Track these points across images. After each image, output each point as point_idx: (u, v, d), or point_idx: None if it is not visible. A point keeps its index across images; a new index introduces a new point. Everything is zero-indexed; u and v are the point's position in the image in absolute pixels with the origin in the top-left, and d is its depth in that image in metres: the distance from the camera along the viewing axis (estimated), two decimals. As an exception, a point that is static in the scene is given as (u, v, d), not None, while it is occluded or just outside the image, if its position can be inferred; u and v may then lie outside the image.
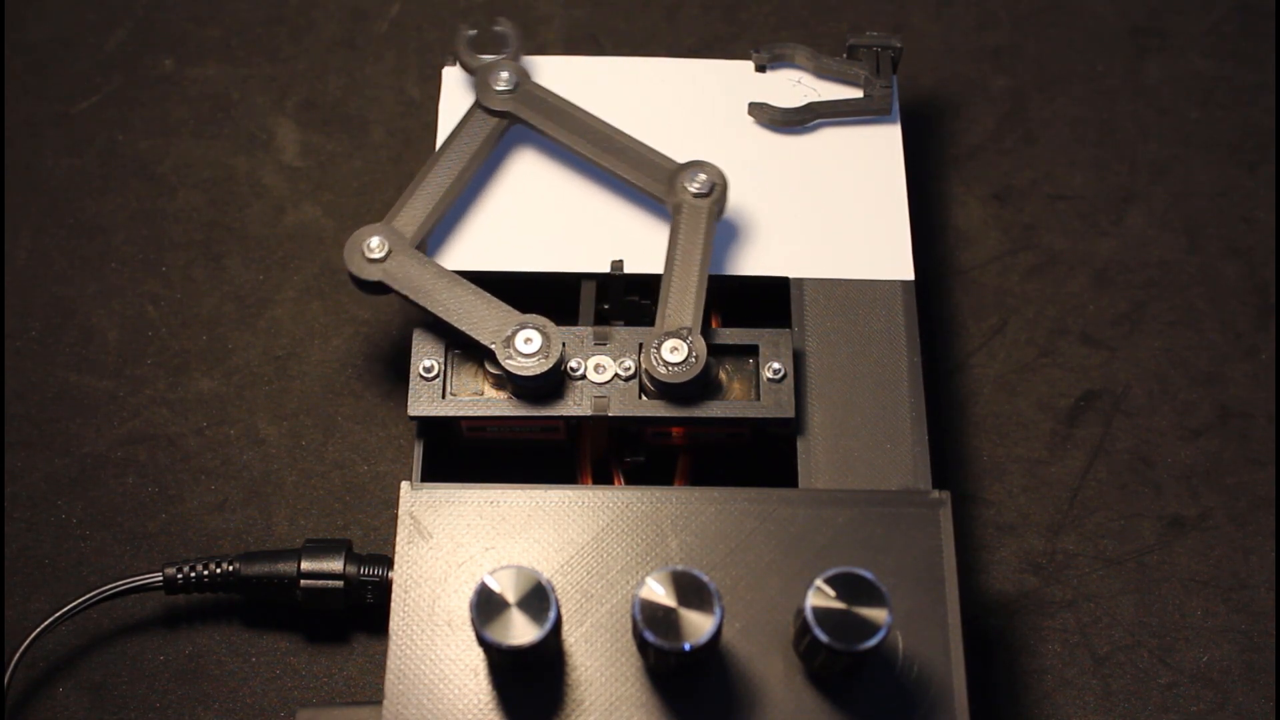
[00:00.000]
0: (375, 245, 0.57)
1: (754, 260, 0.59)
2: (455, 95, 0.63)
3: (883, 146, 0.62)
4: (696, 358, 0.54)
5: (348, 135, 0.70)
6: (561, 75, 0.64)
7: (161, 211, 0.68)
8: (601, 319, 0.60)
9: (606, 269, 0.59)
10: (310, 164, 0.69)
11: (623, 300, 0.60)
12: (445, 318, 0.56)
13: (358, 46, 0.73)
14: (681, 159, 0.60)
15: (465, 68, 0.61)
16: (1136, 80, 0.72)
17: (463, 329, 0.55)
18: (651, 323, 0.60)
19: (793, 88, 0.63)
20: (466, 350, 0.56)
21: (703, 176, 0.58)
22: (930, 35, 0.73)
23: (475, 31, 0.62)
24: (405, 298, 0.56)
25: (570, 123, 0.60)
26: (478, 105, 0.60)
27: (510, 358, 0.54)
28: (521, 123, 0.60)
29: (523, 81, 0.60)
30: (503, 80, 0.60)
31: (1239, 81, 0.72)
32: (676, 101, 0.63)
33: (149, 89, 0.71)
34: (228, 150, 0.70)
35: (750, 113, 0.63)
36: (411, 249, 0.57)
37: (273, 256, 0.67)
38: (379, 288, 0.57)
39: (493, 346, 0.55)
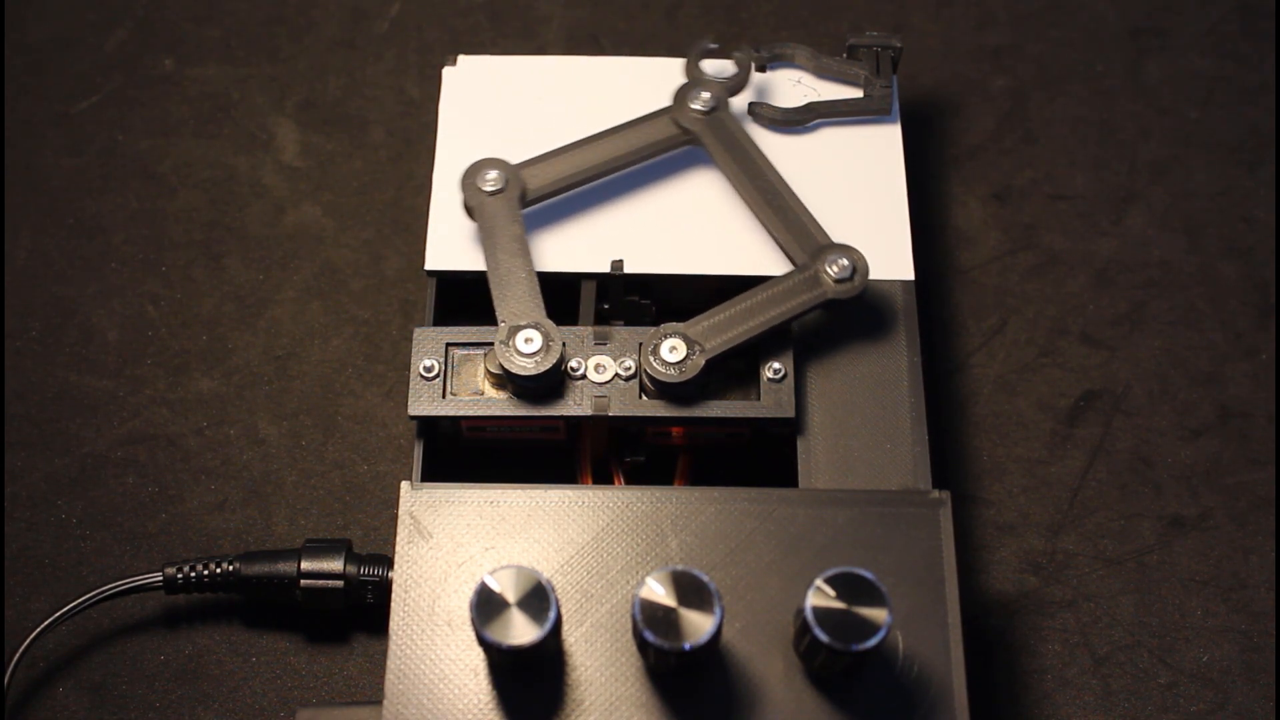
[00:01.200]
0: (492, 179, 0.58)
1: (754, 260, 0.59)
2: (455, 95, 0.63)
3: (883, 146, 0.62)
4: (692, 364, 0.54)
5: (348, 135, 0.70)
6: (562, 75, 0.64)
7: (161, 211, 0.68)
8: (601, 319, 0.60)
9: (606, 269, 0.59)
10: (310, 164, 0.69)
11: (623, 300, 0.60)
12: (489, 272, 0.57)
13: (358, 46, 0.73)
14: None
15: (689, 76, 0.62)
16: (1136, 80, 0.72)
17: (493, 292, 0.56)
18: (651, 322, 0.60)
19: (793, 88, 0.63)
20: (467, 349, 0.56)
21: (844, 262, 0.57)
22: (930, 35, 0.73)
23: (716, 45, 0.62)
24: (483, 236, 0.58)
25: (746, 164, 0.60)
26: (671, 114, 0.61)
27: (510, 357, 0.54)
28: (702, 146, 0.60)
29: (720, 108, 0.60)
30: (702, 100, 0.60)
31: (1239, 81, 0.72)
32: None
33: (149, 89, 0.71)
34: (228, 150, 0.70)
35: (750, 113, 0.63)
36: (516, 202, 0.58)
37: (273, 256, 0.67)
38: (470, 212, 0.59)
39: (500, 325, 0.55)
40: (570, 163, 0.60)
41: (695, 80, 0.61)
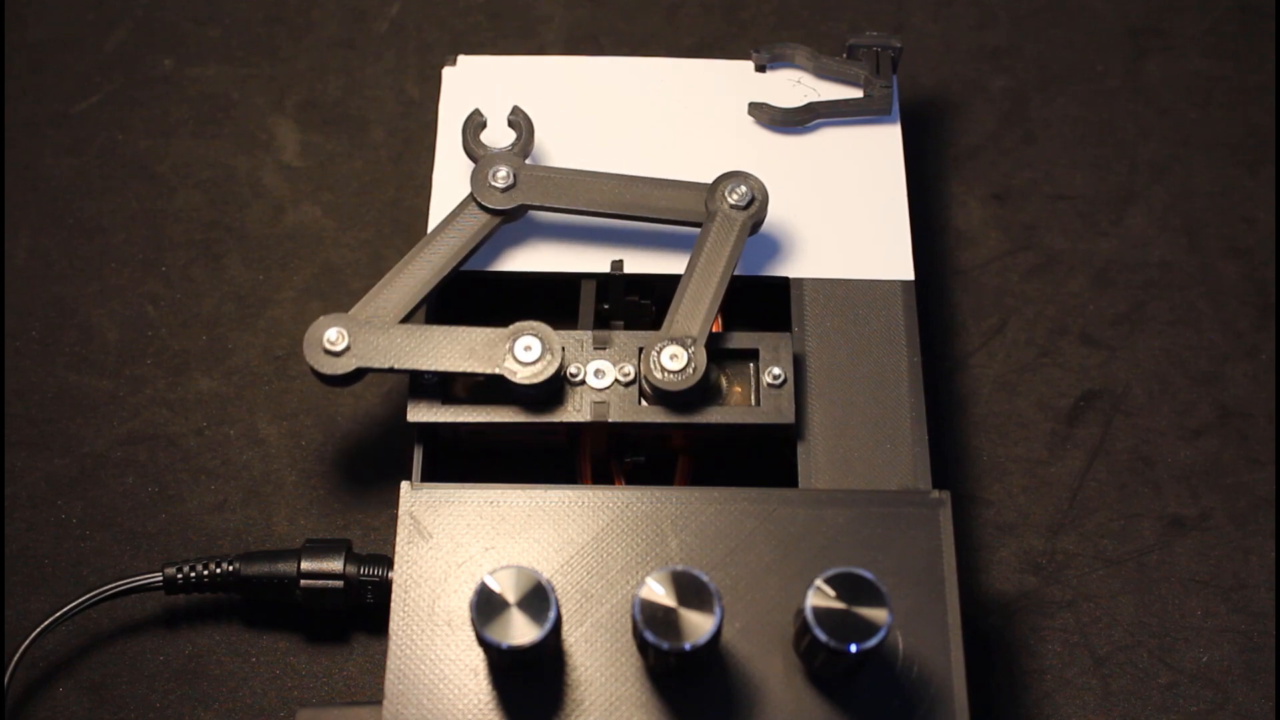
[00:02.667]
0: (334, 337, 0.55)
1: (754, 260, 0.59)
2: (455, 95, 0.63)
3: (883, 146, 0.62)
4: (695, 369, 0.54)
5: (347, 135, 0.70)
6: (562, 75, 0.64)
7: (161, 211, 0.68)
8: (601, 319, 0.60)
9: (606, 269, 0.59)
10: (310, 164, 0.69)
11: (622, 300, 0.59)
12: (442, 368, 0.54)
13: (358, 46, 0.73)
14: (682, 160, 0.61)
15: (469, 154, 0.59)
16: (1136, 80, 0.72)
17: (464, 370, 0.54)
18: (651, 324, 0.60)
19: (793, 88, 0.63)
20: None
21: (743, 188, 0.57)
22: (930, 35, 0.73)
23: (484, 122, 0.60)
24: (388, 371, 0.55)
25: (582, 190, 0.58)
26: (474, 199, 0.58)
27: (512, 368, 0.54)
28: (532, 208, 0.58)
29: (519, 171, 0.58)
30: (500, 177, 0.58)
31: (1239, 81, 0.72)
32: (676, 101, 0.63)
33: (149, 89, 0.71)
34: (228, 150, 0.70)
35: (750, 113, 0.63)
36: (368, 324, 0.55)
37: (273, 256, 0.67)
38: (356, 375, 0.55)
39: (499, 370, 0.54)
40: (403, 288, 0.57)
41: (486, 159, 0.58)
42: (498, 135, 0.62)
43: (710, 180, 0.58)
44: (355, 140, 0.70)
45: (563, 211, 0.58)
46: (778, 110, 0.62)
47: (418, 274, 0.57)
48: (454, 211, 0.58)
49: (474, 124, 0.60)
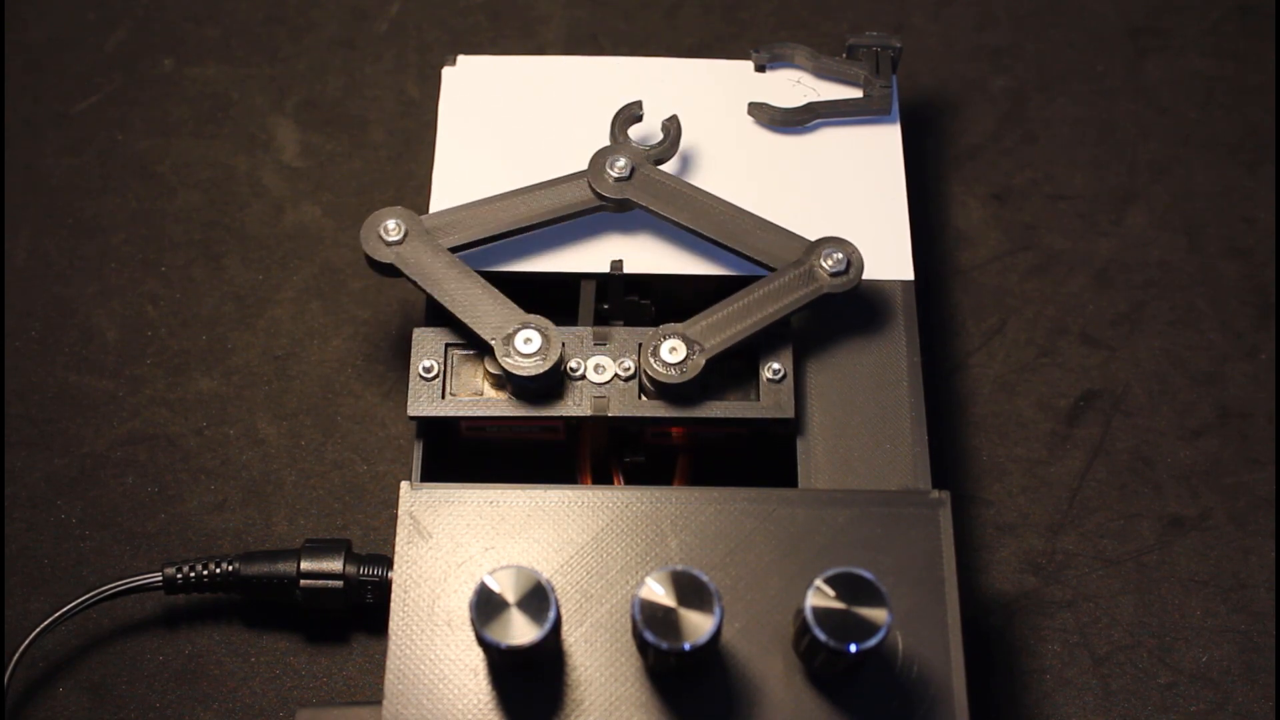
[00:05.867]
0: (392, 228, 0.57)
1: (753, 260, 0.59)
2: (455, 95, 0.63)
3: (883, 146, 0.62)
4: (694, 363, 0.54)
5: (347, 135, 0.70)
6: (561, 75, 0.64)
7: (161, 211, 0.68)
8: (601, 319, 0.60)
9: (606, 269, 0.59)
10: (310, 164, 0.69)
11: (622, 300, 0.59)
12: (449, 307, 0.56)
13: (357, 46, 0.73)
14: (682, 160, 0.61)
15: (613, 139, 0.60)
16: (1136, 80, 0.72)
17: (465, 320, 0.55)
18: (650, 322, 0.60)
19: (793, 88, 0.63)
20: (467, 349, 0.56)
21: (839, 255, 0.56)
22: (930, 35, 0.73)
23: (640, 115, 0.60)
24: (414, 283, 0.56)
25: (691, 207, 0.58)
26: (589, 184, 0.58)
27: (510, 358, 0.54)
28: (637, 207, 0.59)
29: (640, 169, 0.59)
30: (618, 167, 0.58)
31: (1239, 81, 0.72)
32: (676, 101, 0.63)
33: (149, 89, 0.71)
34: (227, 150, 0.70)
35: (750, 113, 0.62)
36: (427, 235, 0.57)
37: (272, 256, 0.67)
38: (391, 270, 0.57)
39: (492, 343, 0.55)
40: (480, 218, 0.58)
41: (614, 146, 0.59)
42: (507, 136, 0.62)
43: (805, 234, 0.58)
44: (355, 140, 0.70)
45: (663, 219, 0.58)
46: (778, 110, 0.62)
47: (497, 214, 0.58)
48: (566, 177, 0.59)
49: (628, 114, 0.60)
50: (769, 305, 0.56)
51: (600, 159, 0.59)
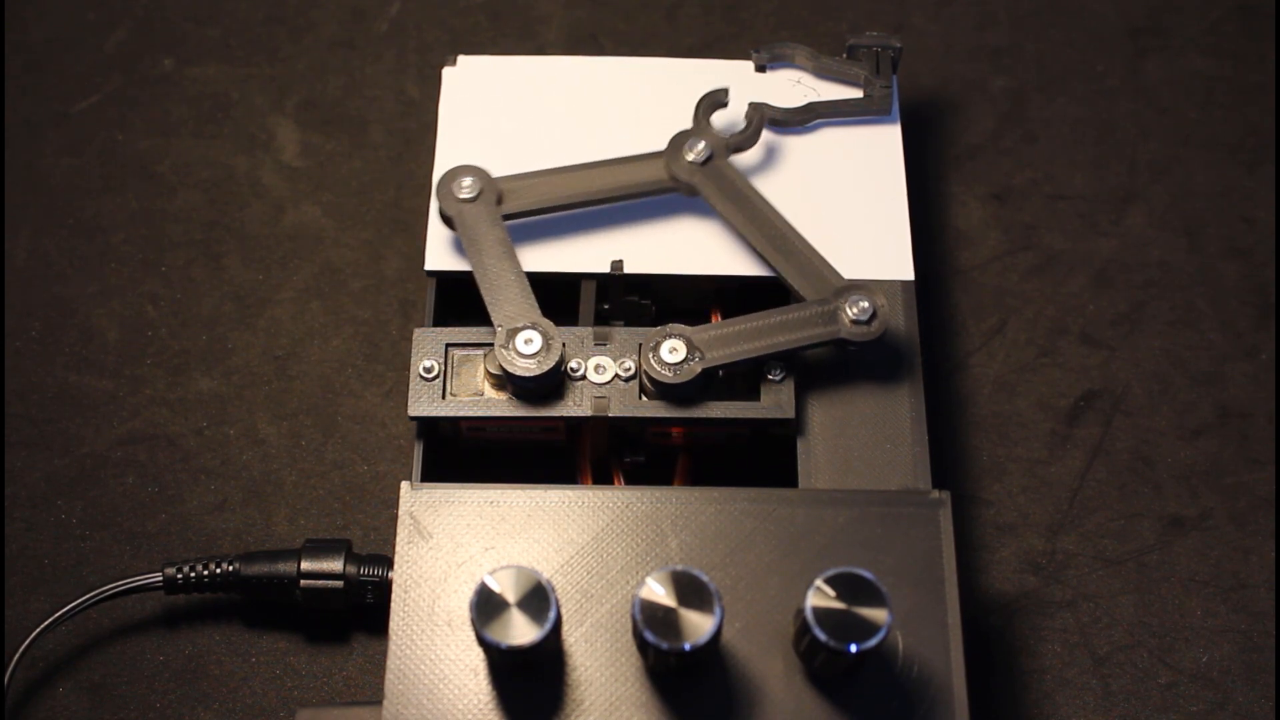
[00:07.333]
0: (467, 185, 0.58)
1: (754, 260, 0.59)
2: (455, 95, 0.63)
3: (883, 146, 0.62)
4: (694, 363, 0.54)
5: (347, 135, 0.70)
6: (561, 75, 0.64)
7: (161, 211, 0.68)
8: (601, 319, 0.60)
9: (606, 269, 0.59)
10: (310, 164, 0.69)
11: (623, 300, 0.60)
12: (478, 279, 0.56)
13: (357, 46, 0.73)
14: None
15: (694, 123, 0.60)
16: (1136, 80, 0.72)
17: (484, 297, 0.56)
18: (650, 322, 0.60)
19: (793, 88, 0.63)
20: (467, 350, 0.56)
21: (865, 304, 0.56)
22: (930, 35, 0.73)
23: (726, 102, 0.61)
24: (462, 243, 0.58)
25: (750, 212, 0.58)
26: (667, 164, 0.59)
27: (510, 358, 0.54)
28: (699, 195, 0.59)
29: (717, 157, 0.59)
30: (697, 150, 0.59)
31: (1239, 81, 0.72)
32: (676, 101, 0.63)
33: (149, 89, 0.71)
34: (227, 150, 0.70)
35: (750, 113, 0.62)
36: (494, 206, 0.58)
37: (272, 256, 0.67)
38: (450, 222, 0.58)
39: (497, 330, 0.55)
40: (553, 186, 0.59)
41: (696, 130, 0.60)
42: (504, 137, 0.62)
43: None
44: (355, 140, 0.70)
45: (719, 215, 0.59)
46: (778, 110, 0.62)
47: (570, 184, 0.59)
48: (642, 155, 0.59)
49: (713, 100, 0.61)
50: (782, 334, 0.55)
51: (680, 141, 0.59)
